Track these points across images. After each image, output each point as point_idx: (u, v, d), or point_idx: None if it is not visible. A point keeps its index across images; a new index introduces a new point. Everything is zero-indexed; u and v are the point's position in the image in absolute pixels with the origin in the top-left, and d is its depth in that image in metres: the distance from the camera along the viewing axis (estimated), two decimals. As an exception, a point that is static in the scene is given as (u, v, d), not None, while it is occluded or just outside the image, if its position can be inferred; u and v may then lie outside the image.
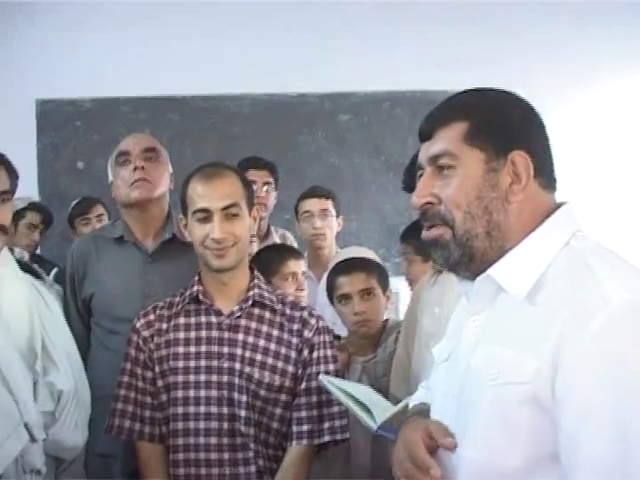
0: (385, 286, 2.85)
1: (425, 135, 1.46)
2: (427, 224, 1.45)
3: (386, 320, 2.89)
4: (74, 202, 4.52)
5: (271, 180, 3.84)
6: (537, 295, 1.33)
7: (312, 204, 3.81)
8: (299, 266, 3.10)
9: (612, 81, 5.16)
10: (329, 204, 3.81)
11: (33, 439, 2.14)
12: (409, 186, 2.47)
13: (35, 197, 5.02)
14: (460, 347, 1.45)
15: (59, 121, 5.12)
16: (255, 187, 3.73)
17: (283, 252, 3.20)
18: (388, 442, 2.55)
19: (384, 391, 2.35)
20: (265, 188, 3.79)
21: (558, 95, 4.93)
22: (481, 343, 1.39)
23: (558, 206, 1.42)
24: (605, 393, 1.20)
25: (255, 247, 3.26)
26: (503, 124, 1.40)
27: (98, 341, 2.76)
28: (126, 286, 2.71)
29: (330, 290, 2.89)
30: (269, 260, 3.21)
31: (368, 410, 2.06)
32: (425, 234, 1.45)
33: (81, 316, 2.81)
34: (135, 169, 2.74)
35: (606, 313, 1.21)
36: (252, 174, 3.78)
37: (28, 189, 4.97)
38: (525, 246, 1.38)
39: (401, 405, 2.02)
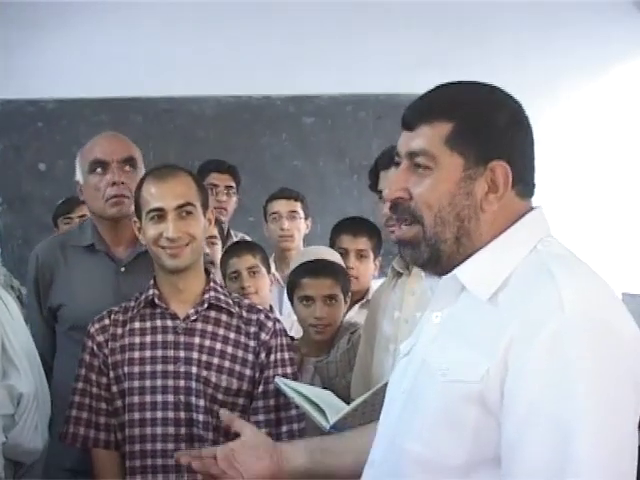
0: (347, 291, 2.85)
1: (407, 125, 1.42)
2: (397, 218, 1.43)
3: (340, 322, 2.89)
4: (59, 201, 4.47)
5: (233, 184, 3.85)
6: (498, 296, 1.32)
7: (280, 205, 3.80)
8: (242, 263, 3.07)
9: (583, 82, 5.21)
10: (297, 206, 3.82)
11: (-8, 442, 2.14)
12: (373, 185, 2.51)
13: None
14: (419, 342, 1.45)
15: (20, 122, 5.07)
16: (217, 191, 3.73)
17: (227, 252, 3.19)
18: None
19: (337, 392, 2.35)
20: (226, 192, 3.78)
21: (528, 97, 4.96)
22: (438, 339, 1.39)
23: (530, 210, 1.41)
24: (548, 400, 1.20)
25: (218, 250, 3.24)
26: (487, 130, 1.37)
27: (67, 351, 2.65)
28: (99, 298, 2.58)
29: (291, 288, 2.87)
30: (220, 263, 3.20)
31: (322, 410, 2.07)
32: (399, 233, 1.44)
33: (46, 321, 2.72)
34: (114, 184, 2.61)
35: (558, 321, 1.21)
36: (214, 177, 3.78)
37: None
38: (492, 248, 1.36)
39: (354, 405, 2.03)
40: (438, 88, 1.44)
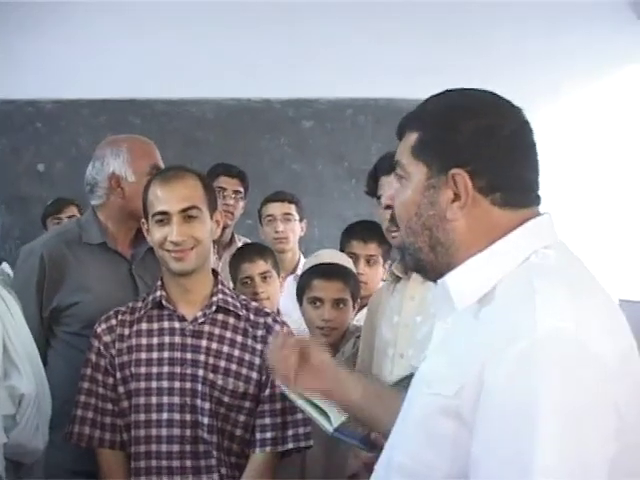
0: (356, 297, 2.86)
1: (397, 136, 1.44)
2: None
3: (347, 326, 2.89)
4: (49, 202, 4.53)
5: (241, 189, 3.88)
6: (482, 310, 1.29)
7: (275, 208, 3.82)
8: (254, 268, 3.06)
9: (585, 86, 5.22)
10: (292, 208, 3.84)
11: (-7, 443, 2.14)
12: (372, 191, 2.50)
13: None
14: (427, 352, 1.45)
15: (19, 122, 5.06)
16: (224, 194, 3.75)
17: (238, 256, 3.18)
18: (343, 449, 2.57)
19: None
20: (234, 196, 3.80)
21: (529, 101, 4.96)
22: (432, 350, 1.39)
23: (528, 219, 1.35)
24: (508, 423, 1.15)
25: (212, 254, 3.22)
26: (449, 139, 1.33)
27: (74, 351, 2.57)
28: (117, 295, 2.56)
29: (301, 289, 2.87)
30: (230, 266, 3.20)
31: (326, 414, 2.07)
32: (396, 239, 1.46)
33: (43, 325, 2.63)
34: None
35: (529, 340, 1.16)
36: (223, 181, 3.81)
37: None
38: (481, 258, 1.31)
39: None
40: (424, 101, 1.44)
